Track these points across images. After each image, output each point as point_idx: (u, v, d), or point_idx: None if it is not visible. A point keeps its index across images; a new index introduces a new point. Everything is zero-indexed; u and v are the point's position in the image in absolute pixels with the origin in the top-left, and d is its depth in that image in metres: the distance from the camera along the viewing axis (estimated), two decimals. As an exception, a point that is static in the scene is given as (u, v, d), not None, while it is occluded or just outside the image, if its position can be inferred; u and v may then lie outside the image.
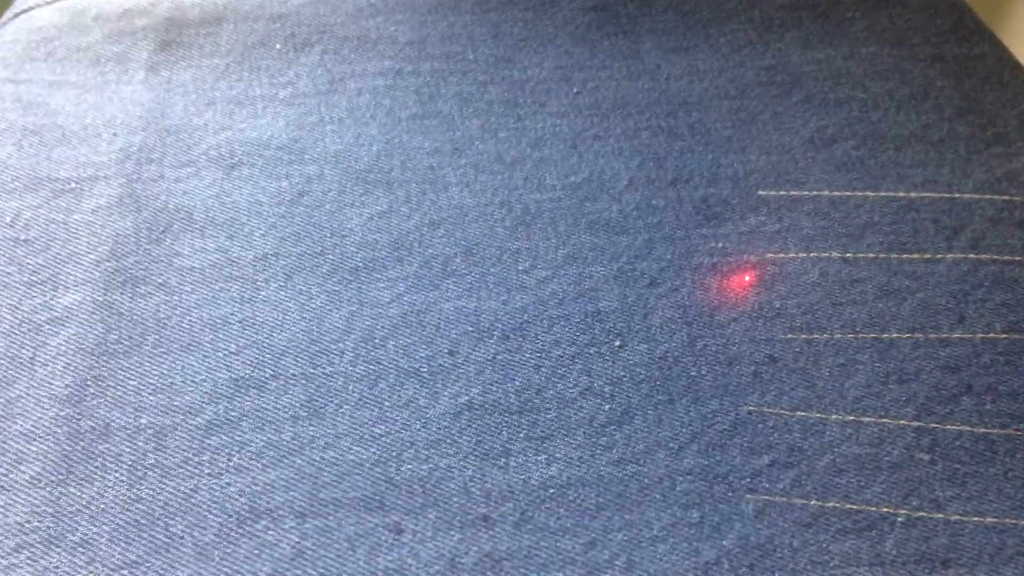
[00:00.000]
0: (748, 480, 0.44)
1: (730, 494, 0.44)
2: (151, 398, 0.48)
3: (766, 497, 0.44)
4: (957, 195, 0.57)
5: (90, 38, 0.70)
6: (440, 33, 0.69)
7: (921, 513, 0.43)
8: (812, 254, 0.54)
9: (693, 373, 0.49)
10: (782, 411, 0.47)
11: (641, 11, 0.71)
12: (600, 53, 0.68)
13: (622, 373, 0.49)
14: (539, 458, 0.45)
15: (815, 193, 0.57)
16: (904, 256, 0.54)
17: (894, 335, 0.50)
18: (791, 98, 0.64)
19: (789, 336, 0.50)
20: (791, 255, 0.54)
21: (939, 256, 0.54)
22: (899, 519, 0.43)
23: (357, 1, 0.72)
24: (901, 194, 0.57)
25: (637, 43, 0.69)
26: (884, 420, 0.46)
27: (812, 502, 0.43)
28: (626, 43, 0.69)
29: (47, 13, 0.72)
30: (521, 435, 0.46)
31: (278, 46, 0.69)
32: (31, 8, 0.73)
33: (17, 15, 0.73)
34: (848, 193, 0.57)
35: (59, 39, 0.70)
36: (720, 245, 0.55)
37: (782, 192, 0.57)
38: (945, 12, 0.70)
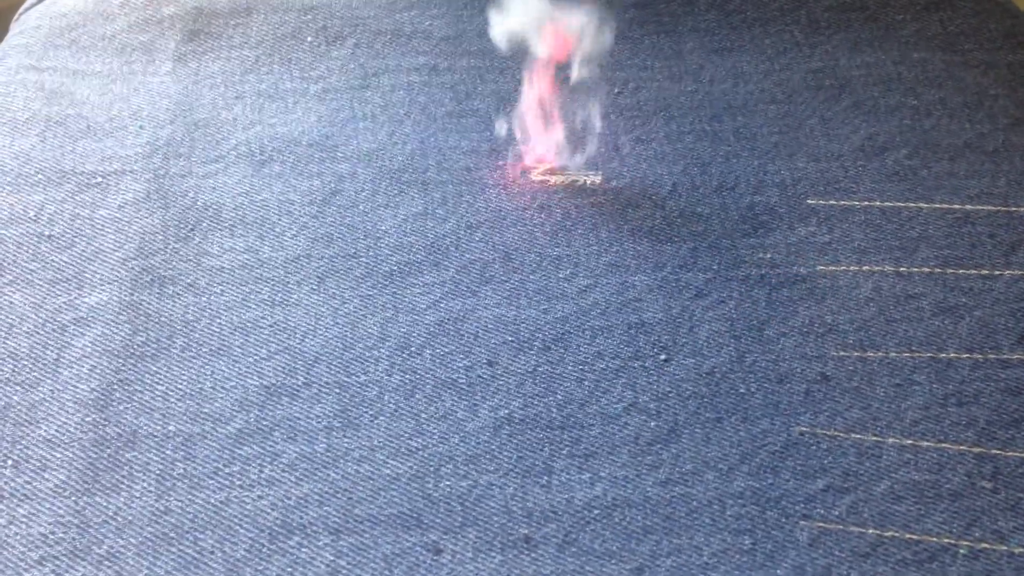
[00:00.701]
0: (802, 505, 0.42)
1: (783, 520, 0.42)
2: (179, 404, 0.46)
3: (821, 524, 0.42)
4: (1014, 208, 0.55)
5: (116, 26, 0.68)
6: (476, 29, 0.67)
7: (984, 544, 0.41)
8: (864, 267, 0.52)
9: (742, 390, 0.47)
10: (836, 433, 0.45)
11: (683, 9, 0.69)
12: (641, 52, 0.66)
13: (668, 388, 0.47)
14: (583, 476, 0.44)
15: (866, 203, 0.55)
16: (960, 271, 0.52)
17: (952, 355, 0.48)
18: (839, 103, 0.62)
19: (842, 353, 0.48)
20: (842, 268, 0.52)
21: (997, 272, 0.52)
22: (961, 551, 0.41)
23: (390, -7, 0.70)
24: (956, 206, 0.55)
25: (679, 43, 0.67)
26: (944, 445, 0.44)
27: (870, 530, 0.41)
28: (668, 42, 0.67)
29: (72, -1, 0.70)
30: (564, 452, 0.44)
31: (309, 39, 0.67)
32: (55, -7, 0.71)
33: (41, 0, 0.71)
34: (901, 204, 0.55)
35: (84, 26, 0.68)
36: (768, 256, 0.53)
37: (832, 201, 0.55)
38: (998, 17, 0.68)
